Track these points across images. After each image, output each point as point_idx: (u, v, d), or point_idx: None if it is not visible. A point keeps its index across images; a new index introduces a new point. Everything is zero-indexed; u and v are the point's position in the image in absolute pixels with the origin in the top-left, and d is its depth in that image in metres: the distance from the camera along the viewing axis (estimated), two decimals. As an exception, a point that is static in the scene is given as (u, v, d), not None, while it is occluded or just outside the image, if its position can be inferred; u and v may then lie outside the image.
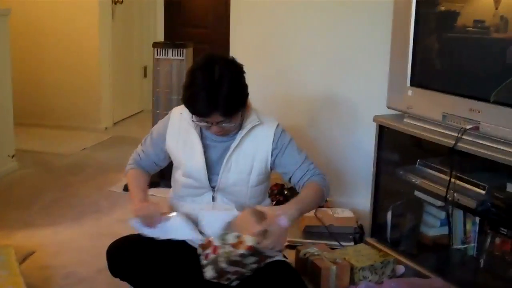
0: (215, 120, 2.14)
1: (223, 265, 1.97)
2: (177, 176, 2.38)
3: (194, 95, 2.11)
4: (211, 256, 1.99)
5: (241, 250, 1.96)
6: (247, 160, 2.30)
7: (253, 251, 1.96)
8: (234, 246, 1.98)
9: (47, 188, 3.89)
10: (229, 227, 2.12)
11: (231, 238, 1.99)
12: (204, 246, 2.03)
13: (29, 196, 3.73)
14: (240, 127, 2.28)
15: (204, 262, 2.01)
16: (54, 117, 5.58)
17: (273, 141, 2.32)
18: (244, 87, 2.19)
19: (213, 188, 2.31)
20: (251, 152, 2.31)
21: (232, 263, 1.97)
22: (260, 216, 2.04)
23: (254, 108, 2.33)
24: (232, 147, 2.28)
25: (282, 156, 2.34)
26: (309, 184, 2.30)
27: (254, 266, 2.01)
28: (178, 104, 3.89)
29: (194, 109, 2.14)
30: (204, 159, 2.28)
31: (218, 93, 2.08)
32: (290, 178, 2.37)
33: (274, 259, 2.13)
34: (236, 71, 2.17)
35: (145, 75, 6.51)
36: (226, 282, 2.02)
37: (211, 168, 2.31)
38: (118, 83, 5.90)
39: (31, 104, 5.51)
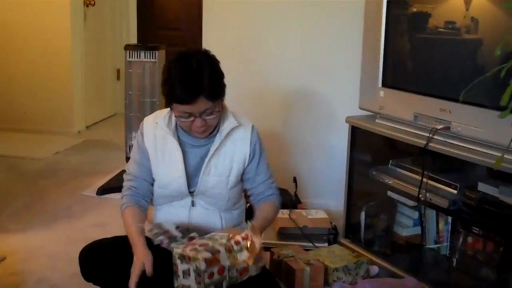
0: (200, 108, 2.11)
1: (220, 247, 1.95)
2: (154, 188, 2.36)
3: (176, 84, 2.09)
4: (216, 277, 1.94)
5: (244, 277, 2.00)
6: (226, 162, 2.30)
7: (247, 239, 2.01)
8: (241, 273, 1.99)
9: (19, 193, 3.84)
10: None
11: (242, 255, 1.99)
12: (210, 262, 1.94)
13: (0, 201, 3.67)
14: (217, 129, 2.28)
15: (207, 281, 1.92)
16: (26, 121, 5.51)
17: (250, 144, 2.33)
18: (223, 74, 2.20)
19: (191, 193, 2.30)
20: (230, 154, 2.31)
21: (230, 250, 1.97)
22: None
23: (230, 110, 2.33)
24: (212, 150, 2.27)
25: (254, 164, 2.36)
26: (269, 204, 2.38)
27: (235, 273, 2.01)
28: (150, 107, 3.92)
29: (178, 98, 2.10)
30: (183, 168, 2.27)
31: (201, 77, 2.09)
32: (250, 188, 2.40)
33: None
34: (212, 59, 2.18)
35: (118, 78, 6.46)
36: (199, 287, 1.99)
37: (190, 174, 2.29)
38: (90, 86, 5.85)
39: (2, 108, 5.44)
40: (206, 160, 2.28)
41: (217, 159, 2.29)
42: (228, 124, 2.29)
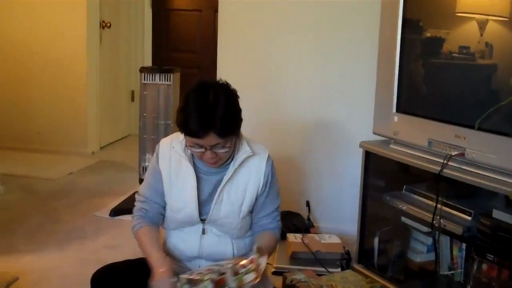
0: (210, 143, 2.11)
1: (226, 270, 1.95)
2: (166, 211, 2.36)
3: (189, 116, 2.09)
4: None
5: (244, 261, 2.01)
6: (239, 192, 2.28)
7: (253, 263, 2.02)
8: None
9: (32, 213, 3.86)
10: None
11: (249, 277, 1.99)
12: (217, 283, 1.95)
13: (13, 221, 3.69)
14: (232, 157, 2.28)
15: None
16: (40, 141, 5.54)
17: (264, 174, 2.31)
18: (239, 110, 2.18)
19: (202, 220, 2.29)
20: (243, 184, 2.29)
21: (236, 273, 1.97)
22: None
23: (245, 137, 2.33)
24: (225, 179, 2.26)
25: (263, 196, 2.34)
26: (271, 234, 2.37)
27: None
28: (165, 129, 3.94)
29: (189, 130, 2.10)
30: (196, 193, 2.25)
31: (214, 113, 2.07)
32: (254, 217, 2.38)
33: None
34: (230, 94, 2.16)
35: (132, 99, 6.50)
36: None
37: (203, 201, 2.28)
38: (105, 107, 5.89)
39: (17, 128, 5.49)
40: (219, 188, 2.26)
41: (230, 188, 2.27)
42: (242, 153, 2.27)
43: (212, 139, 2.09)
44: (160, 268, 2.11)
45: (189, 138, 2.13)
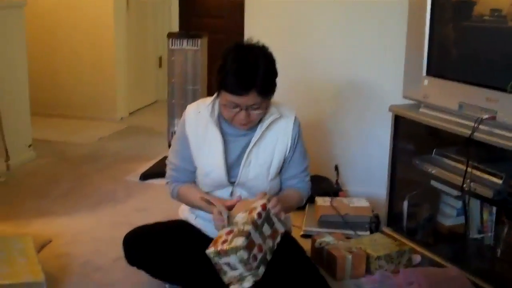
0: (248, 102, 2.13)
1: (247, 227, 1.97)
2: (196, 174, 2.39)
3: (231, 73, 2.11)
4: (259, 255, 1.98)
5: (278, 239, 2.04)
6: (267, 154, 2.30)
7: (266, 209, 2.03)
8: (273, 238, 2.05)
9: (64, 178, 3.92)
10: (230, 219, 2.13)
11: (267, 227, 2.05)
12: (248, 247, 1.96)
13: (46, 185, 3.76)
14: (260, 119, 2.29)
15: (254, 264, 1.97)
16: (70, 107, 5.60)
17: (291, 136, 2.33)
18: (277, 73, 2.21)
19: (232, 183, 2.31)
20: (271, 146, 2.31)
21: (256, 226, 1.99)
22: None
23: (273, 99, 2.33)
24: (253, 141, 2.28)
25: (291, 155, 2.36)
26: (295, 190, 2.41)
27: (270, 243, 2.03)
28: (192, 94, 3.95)
29: (231, 88, 2.12)
30: (224, 157, 2.28)
31: (256, 72, 2.10)
32: (282, 178, 2.41)
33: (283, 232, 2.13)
34: (269, 55, 2.20)
35: (160, 65, 6.51)
36: (250, 272, 2.01)
37: (231, 164, 2.31)
38: (133, 73, 5.92)
39: (48, 95, 5.54)
40: (247, 151, 2.28)
41: (258, 150, 2.29)
42: (270, 115, 2.28)
43: (251, 98, 2.11)
44: (218, 202, 2.16)
45: (228, 96, 2.13)
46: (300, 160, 2.40)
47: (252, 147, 2.28)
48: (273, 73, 2.19)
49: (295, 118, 2.35)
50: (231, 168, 2.30)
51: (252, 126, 2.25)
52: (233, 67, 2.11)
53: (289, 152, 2.34)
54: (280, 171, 2.38)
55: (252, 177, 2.29)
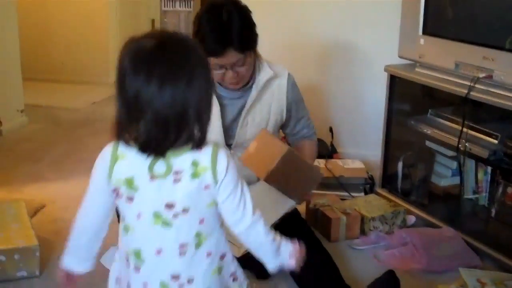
0: (230, 60, 2.11)
1: None
2: None
3: (206, 36, 2.09)
4: None
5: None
6: (264, 113, 2.31)
7: None
8: None
9: (57, 142, 3.89)
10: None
11: None
12: None
13: (39, 150, 3.73)
14: (254, 80, 2.26)
15: None
16: (62, 72, 5.54)
17: (287, 92, 2.33)
18: (254, 24, 2.18)
19: (229, 146, 2.30)
20: (267, 105, 2.31)
21: None
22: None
23: (265, 59, 2.31)
24: (249, 103, 2.27)
25: (294, 108, 2.37)
26: (310, 142, 2.48)
27: None
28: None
29: (207, 50, 2.09)
30: (220, 122, 2.27)
31: (230, 29, 2.08)
32: (292, 129, 2.44)
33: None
34: (243, 9, 2.16)
35: (152, 28, 6.44)
36: None
37: (227, 127, 2.30)
38: (126, 36, 5.82)
39: (40, 59, 5.47)
40: (244, 112, 2.28)
41: (254, 110, 2.29)
42: (264, 75, 2.27)
43: (232, 55, 2.09)
44: None
45: (210, 58, 2.11)
46: (303, 109, 2.44)
47: (249, 108, 2.27)
48: (250, 26, 2.17)
49: (289, 75, 2.35)
50: (227, 130, 2.30)
51: (244, 83, 2.24)
52: (207, 30, 2.10)
53: (286, 111, 2.35)
54: (284, 126, 2.42)
55: (249, 137, 2.28)
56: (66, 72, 5.53)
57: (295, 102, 2.37)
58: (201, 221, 1.37)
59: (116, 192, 1.40)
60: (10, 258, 2.23)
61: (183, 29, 3.88)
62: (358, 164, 3.19)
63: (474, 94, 2.41)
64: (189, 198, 1.34)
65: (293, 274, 2.11)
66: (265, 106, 2.30)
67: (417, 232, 2.53)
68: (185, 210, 1.34)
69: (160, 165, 1.33)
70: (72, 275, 1.53)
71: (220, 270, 1.42)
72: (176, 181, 1.33)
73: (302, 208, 2.71)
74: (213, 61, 2.11)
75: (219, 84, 2.26)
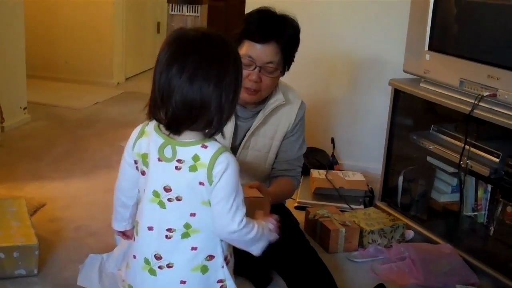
0: (266, 55, 2.11)
1: None
2: None
3: (257, 20, 2.12)
4: None
5: None
6: (266, 139, 2.29)
7: None
8: None
9: (59, 141, 3.90)
10: None
11: None
12: None
13: (41, 149, 3.73)
14: (265, 102, 2.26)
15: None
16: (67, 71, 5.55)
17: (293, 122, 2.32)
18: (298, 44, 2.22)
19: None
20: (272, 131, 2.30)
21: None
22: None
23: (282, 84, 2.31)
24: (253, 126, 2.26)
25: (290, 138, 2.34)
26: (288, 180, 2.34)
27: None
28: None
29: (253, 32, 2.11)
30: (231, 140, 2.24)
31: (283, 24, 2.11)
32: (276, 160, 2.36)
33: None
34: (297, 23, 2.20)
35: (158, 31, 6.44)
36: None
37: (234, 147, 2.28)
38: (131, 38, 5.85)
39: (44, 57, 5.48)
40: (248, 134, 2.26)
41: (257, 135, 2.28)
42: (275, 100, 2.26)
43: (271, 50, 2.10)
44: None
45: (247, 44, 2.12)
46: (298, 146, 2.38)
47: (253, 131, 2.27)
48: (296, 36, 2.19)
49: (301, 103, 2.35)
50: (232, 149, 2.27)
51: (259, 99, 2.23)
52: (259, 16, 2.13)
53: (289, 133, 2.33)
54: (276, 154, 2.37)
55: (250, 160, 2.27)
56: (70, 71, 5.54)
57: (296, 134, 2.34)
58: (192, 215, 1.44)
59: (136, 163, 1.54)
60: (9, 256, 2.23)
61: (189, 33, 3.87)
62: (358, 177, 3.20)
63: (478, 112, 2.41)
64: (184, 188, 1.43)
65: (288, 284, 2.11)
66: (270, 132, 2.29)
67: (415, 247, 2.53)
68: (178, 198, 1.44)
69: (168, 150, 1.43)
70: (123, 232, 1.73)
71: (204, 269, 1.46)
72: (177, 168, 1.42)
73: (301, 218, 2.73)
74: (249, 49, 2.11)
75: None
